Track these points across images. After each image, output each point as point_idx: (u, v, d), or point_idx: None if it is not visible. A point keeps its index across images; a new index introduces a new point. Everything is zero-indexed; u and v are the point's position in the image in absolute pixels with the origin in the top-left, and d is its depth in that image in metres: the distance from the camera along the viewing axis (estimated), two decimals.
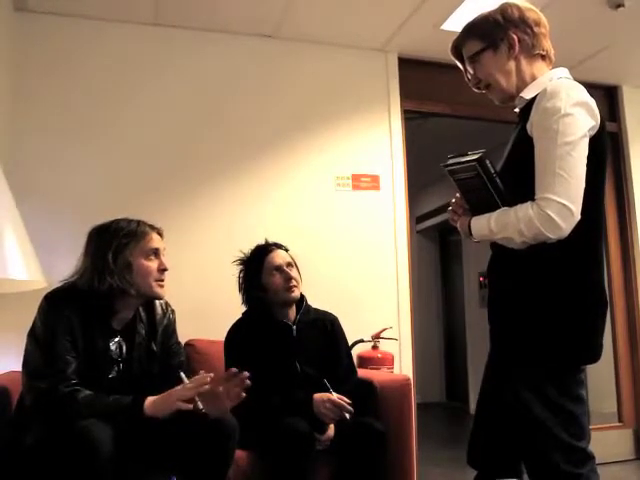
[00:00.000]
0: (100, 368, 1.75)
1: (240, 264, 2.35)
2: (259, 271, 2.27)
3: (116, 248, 1.77)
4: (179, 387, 1.68)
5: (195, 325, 2.54)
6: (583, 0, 2.90)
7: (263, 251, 2.31)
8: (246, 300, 2.33)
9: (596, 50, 3.44)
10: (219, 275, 2.58)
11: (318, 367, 2.23)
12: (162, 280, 1.84)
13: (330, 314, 2.41)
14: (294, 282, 2.24)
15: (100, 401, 1.63)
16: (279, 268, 2.25)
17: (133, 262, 1.78)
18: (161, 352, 1.91)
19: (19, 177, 2.50)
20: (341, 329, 2.40)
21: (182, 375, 1.76)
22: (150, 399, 1.66)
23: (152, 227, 1.87)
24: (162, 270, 1.84)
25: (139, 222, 1.85)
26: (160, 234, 1.90)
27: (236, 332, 2.28)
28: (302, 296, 2.33)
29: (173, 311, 2.00)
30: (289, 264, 2.28)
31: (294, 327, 2.27)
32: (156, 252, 1.84)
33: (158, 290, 1.83)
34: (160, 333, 1.92)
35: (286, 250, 2.35)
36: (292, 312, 2.30)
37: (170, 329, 1.96)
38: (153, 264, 1.82)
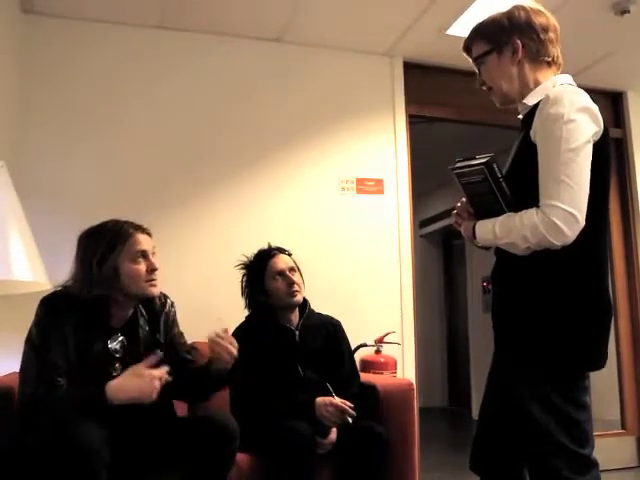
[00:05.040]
0: (100, 367, 1.75)
1: (243, 268, 2.35)
2: (262, 276, 2.28)
3: (101, 255, 1.74)
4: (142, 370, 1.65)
5: (198, 328, 2.53)
6: (588, 6, 2.90)
7: (266, 256, 2.31)
8: (249, 304, 2.33)
9: (601, 56, 3.44)
10: (222, 278, 2.58)
11: (321, 371, 2.23)
12: (153, 280, 1.81)
13: (333, 319, 2.41)
14: (296, 287, 2.25)
15: (73, 394, 1.61)
16: (282, 273, 2.26)
17: (120, 267, 1.75)
18: (166, 342, 1.91)
19: (24, 178, 2.52)
20: (344, 333, 2.39)
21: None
22: (113, 383, 1.62)
23: (137, 227, 1.83)
24: (152, 270, 1.81)
25: (124, 224, 1.81)
26: (148, 234, 1.86)
27: (239, 336, 2.28)
28: (305, 300, 2.33)
29: (172, 302, 1.99)
30: (292, 269, 2.29)
31: (297, 331, 2.27)
32: (144, 254, 1.80)
33: (150, 290, 1.81)
34: (162, 323, 1.92)
35: (289, 255, 2.35)
36: (295, 316, 2.30)
37: (171, 319, 1.96)
38: (141, 267, 1.79)
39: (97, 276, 1.73)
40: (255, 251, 2.36)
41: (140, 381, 1.62)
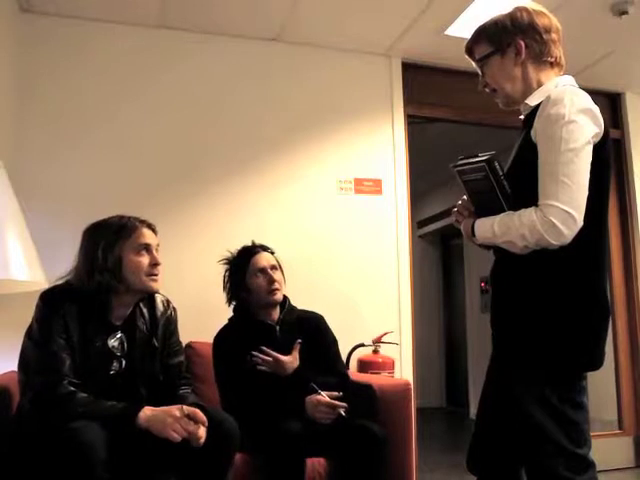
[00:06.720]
0: (99, 364, 1.75)
1: (226, 264, 2.37)
2: (244, 272, 2.29)
3: (105, 245, 1.76)
4: (176, 411, 1.65)
5: (196, 327, 2.54)
6: (587, 7, 2.91)
7: (249, 253, 2.33)
8: (229, 299, 2.35)
9: (600, 57, 3.44)
10: (220, 278, 2.58)
11: (304, 366, 2.21)
12: (155, 275, 1.81)
13: (314, 313, 2.41)
14: (277, 285, 2.26)
15: (96, 406, 1.62)
16: (263, 270, 2.27)
17: (123, 258, 1.77)
18: (162, 348, 1.91)
19: (22, 177, 2.51)
20: (326, 325, 2.38)
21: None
22: (147, 412, 1.63)
23: (143, 222, 1.85)
24: (154, 265, 1.81)
25: (130, 218, 1.84)
26: (152, 229, 1.87)
27: (222, 337, 2.30)
28: (285, 297, 2.34)
29: (175, 309, 1.99)
30: (273, 267, 2.30)
31: (277, 327, 2.28)
32: (147, 247, 1.82)
33: (151, 284, 1.81)
34: (161, 329, 1.91)
35: (272, 253, 2.36)
36: (275, 313, 2.32)
37: (172, 326, 1.96)
38: (144, 259, 1.80)
39: (102, 265, 1.73)
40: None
41: (173, 424, 1.62)
